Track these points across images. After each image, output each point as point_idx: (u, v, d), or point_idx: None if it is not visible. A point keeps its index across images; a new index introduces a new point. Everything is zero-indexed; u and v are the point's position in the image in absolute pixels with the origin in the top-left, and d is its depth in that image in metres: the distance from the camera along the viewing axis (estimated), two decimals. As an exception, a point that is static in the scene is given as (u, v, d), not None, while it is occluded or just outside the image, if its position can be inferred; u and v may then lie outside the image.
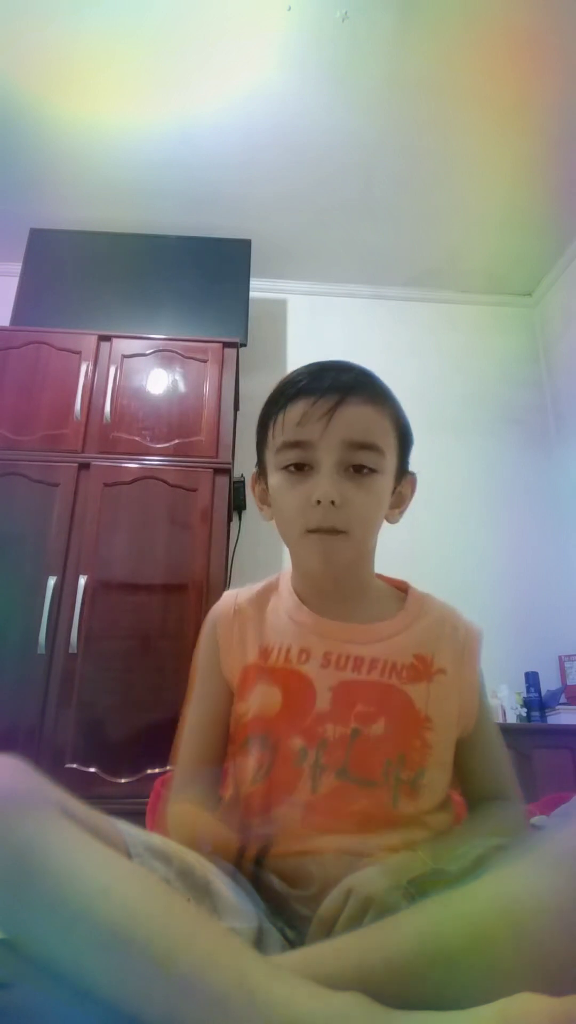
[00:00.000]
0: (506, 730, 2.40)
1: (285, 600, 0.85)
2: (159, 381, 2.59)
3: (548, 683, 2.65)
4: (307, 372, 0.79)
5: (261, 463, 0.84)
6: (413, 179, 2.82)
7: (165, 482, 2.41)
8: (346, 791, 0.72)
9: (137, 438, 2.48)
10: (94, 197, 2.92)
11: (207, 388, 2.58)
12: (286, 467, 0.77)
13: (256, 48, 2.32)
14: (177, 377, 2.60)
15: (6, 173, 2.82)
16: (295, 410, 0.75)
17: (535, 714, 2.54)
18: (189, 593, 2.27)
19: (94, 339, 2.62)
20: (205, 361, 2.63)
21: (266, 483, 0.83)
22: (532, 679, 2.61)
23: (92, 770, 2.03)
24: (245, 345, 2.80)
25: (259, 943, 0.62)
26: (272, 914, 0.65)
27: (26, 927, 0.51)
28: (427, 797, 0.74)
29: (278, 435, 0.78)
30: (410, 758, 0.73)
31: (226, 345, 2.67)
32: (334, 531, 0.74)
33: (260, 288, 3.20)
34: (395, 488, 0.82)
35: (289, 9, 2.20)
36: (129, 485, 2.40)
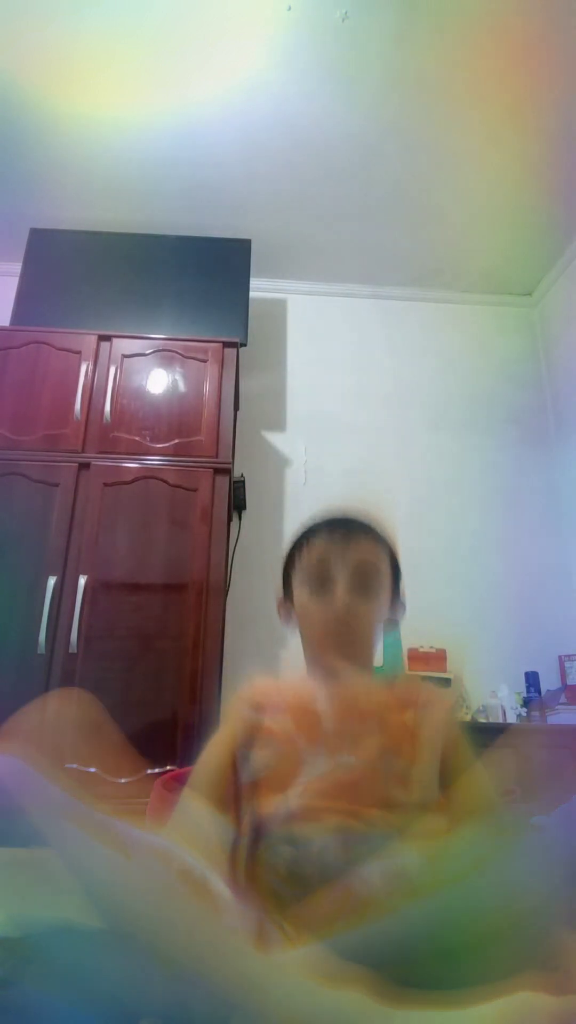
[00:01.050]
0: (506, 730, 2.41)
1: (299, 679, 1.02)
2: (159, 381, 2.59)
3: (548, 683, 2.65)
4: (326, 515, 1.02)
5: (287, 587, 1.04)
6: (413, 179, 2.82)
7: (165, 482, 2.41)
8: (344, 768, 0.83)
9: (137, 438, 2.48)
10: (94, 197, 2.92)
11: (207, 388, 2.58)
12: (310, 585, 0.97)
13: (256, 48, 2.32)
14: (177, 377, 2.60)
15: (6, 173, 2.82)
16: (318, 542, 0.98)
17: (535, 714, 2.54)
18: (189, 593, 2.27)
19: (94, 339, 2.62)
20: (205, 361, 2.63)
21: (291, 604, 1.02)
22: (532, 679, 2.61)
23: (92, 770, 2.03)
24: (245, 345, 2.80)
25: (259, 940, 0.63)
26: (270, 909, 0.65)
27: (29, 926, 0.51)
28: (416, 791, 0.82)
29: (304, 560, 0.99)
30: (401, 749, 0.86)
31: (226, 345, 2.67)
32: (348, 629, 0.93)
33: (260, 288, 3.20)
34: (390, 607, 1.02)
35: (289, 9, 2.20)
36: (129, 485, 2.40)
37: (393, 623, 1.03)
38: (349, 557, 0.96)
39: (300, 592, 0.99)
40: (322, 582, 0.96)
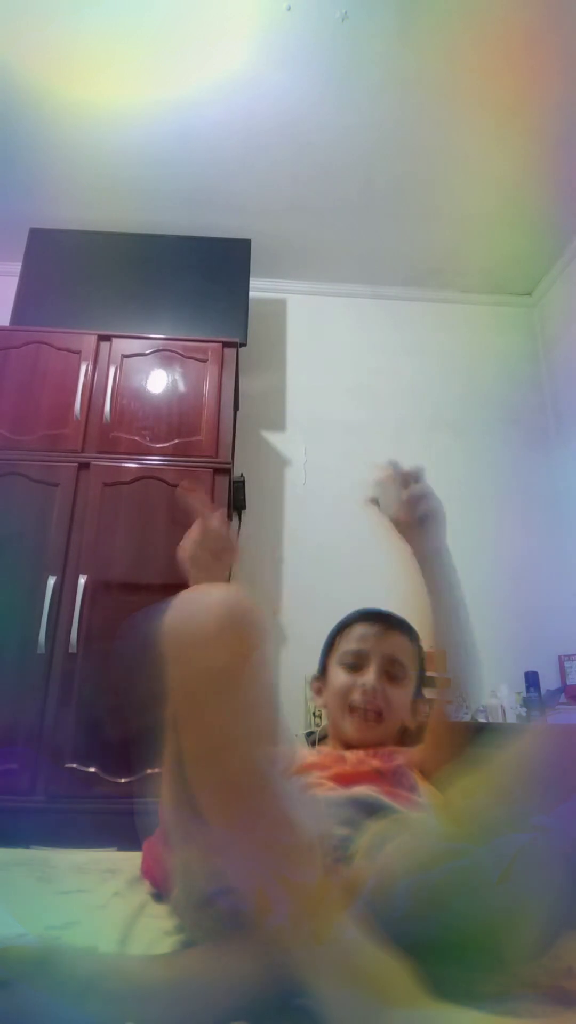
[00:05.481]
0: (506, 730, 2.41)
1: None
2: (159, 381, 2.59)
3: (548, 683, 2.65)
4: (369, 611, 1.17)
5: (324, 667, 1.18)
6: (413, 179, 2.82)
7: (165, 482, 2.41)
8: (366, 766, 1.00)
9: (137, 438, 2.48)
10: (94, 197, 2.92)
11: (207, 388, 2.58)
12: (345, 664, 1.11)
13: (256, 48, 2.32)
14: (177, 377, 2.60)
15: (6, 172, 2.82)
16: (357, 630, 1.13)
17: (535, 714, 2.54)
18: (189, 593, 2.27)
19: (94, 339, 2.62)
20: (205, 361, 2.63)
21: (324, 682, 1.16)
22: (532, 679, 2.61)
23: (92, 770, 2.03)
24: (245, 345, 2.80)
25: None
26: None
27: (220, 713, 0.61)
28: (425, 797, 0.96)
29: (343, 644, 1.14)
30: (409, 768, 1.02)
31: (226, 345, 2.67)
32: (373, 712, 1.06)
33: (260, 288, 3.20)
34: (414, 695, 1.15)
35: (289, 9, 2.20)
36: (129, 485, 2.40)
37: (413, 721, 1.16)
38: (382, 647, 1.11)
39: (335, 671, 1.12)
40: (356, 664, 1.11)
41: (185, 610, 0.67)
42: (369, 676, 1.08)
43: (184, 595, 0.69)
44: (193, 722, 0.64)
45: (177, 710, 0.66)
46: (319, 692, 1.17)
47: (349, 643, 1.12)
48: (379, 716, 1.07)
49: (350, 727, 1.07)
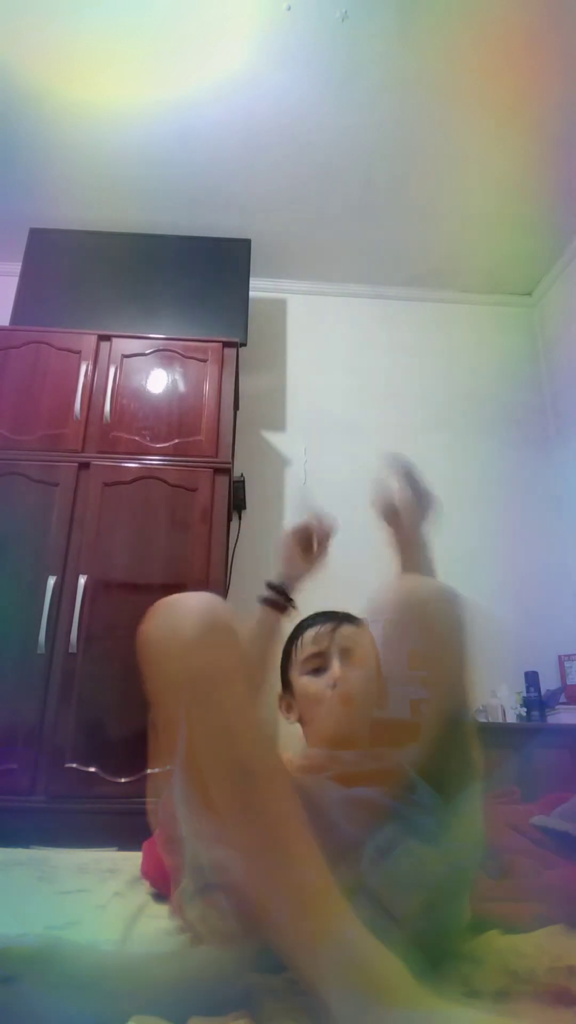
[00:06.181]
0: (506, 730, 2.42)
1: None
2: (159, 381, 2.59)
3: (548, 683, 2.65)
4: (314, 615, 1.19)
5: (286, 681, 1.18)
6: (413, 179, 2.82)
7: (165, 482, 2.41)
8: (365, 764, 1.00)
9: (137, 438, 2.48)
10: (94, 197, 2.92)
11: (207, 388, 2.58)
12: (309, 671, 1.13)
13: (256, 48, 2.32)
14: (177, 377, 2.60)
15: (6, 172, 2.82)
16: (311, 633, 1.15)
17: (535, 714, 2.54)
18: (189, 593, 2.27)
19: (94, 339, 2.62)
20: (205, 361, 2.63)
21: (291, 697, 1.16)
22: (532, 679, 2.61)
23: (92, 770, 2.03)
24: (245, 345, 2.80)
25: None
26: None
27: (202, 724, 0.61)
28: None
29: (300, 651, 1.15)
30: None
31: (226, 345, 2.67)
32: (346, 698, 1.08)
33: (260, 288, 3.20)
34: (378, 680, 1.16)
35: (289, 9, 2.20)
36: (129, 485, 2.40)
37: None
38: (338, 641, 1.14)
39: (301, 682, 1.14)
40: (320, 667, 1.13)
41: (162, 618, 0.68)
42: (334, 669, 1.11)
43: (160, 604, 0.71)
44: (190, 724, 0.65)
45: (164, 714, 0.67)
46: (289, 708, 1.18)
47: (305, 649, 1.15)
48: (351, 701, 1.08)
49: (330, 719, 1.08)
